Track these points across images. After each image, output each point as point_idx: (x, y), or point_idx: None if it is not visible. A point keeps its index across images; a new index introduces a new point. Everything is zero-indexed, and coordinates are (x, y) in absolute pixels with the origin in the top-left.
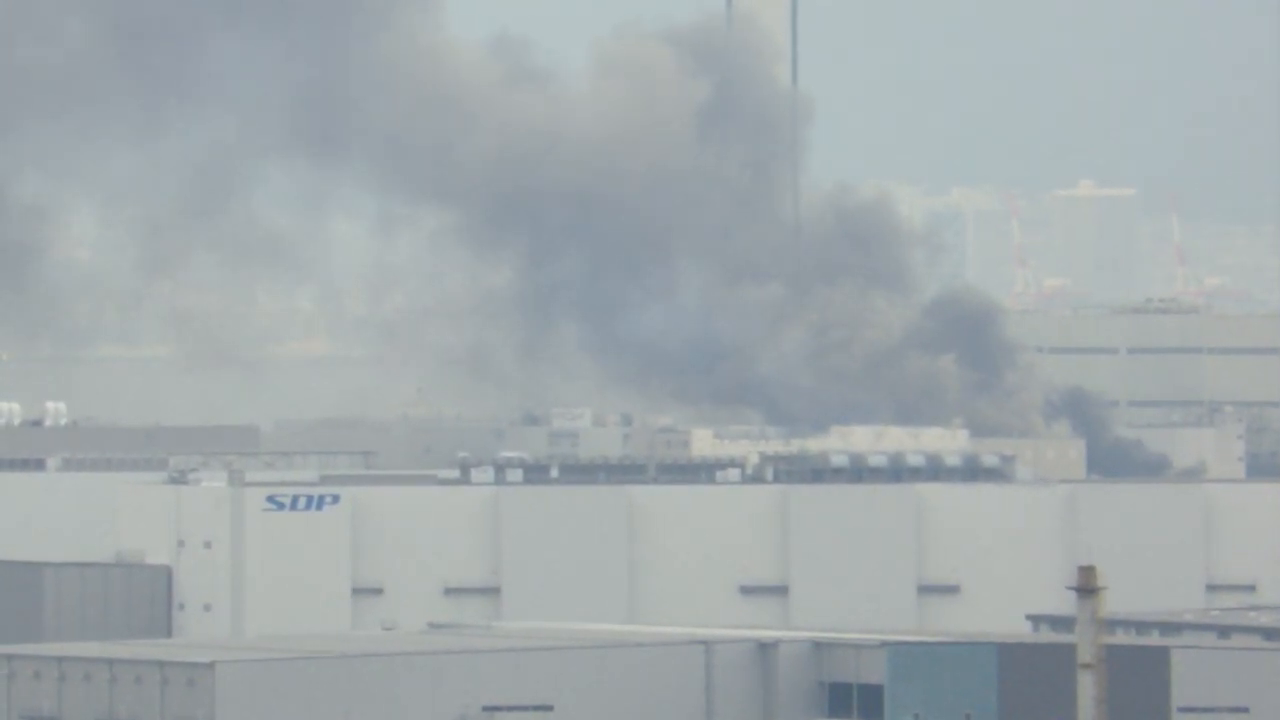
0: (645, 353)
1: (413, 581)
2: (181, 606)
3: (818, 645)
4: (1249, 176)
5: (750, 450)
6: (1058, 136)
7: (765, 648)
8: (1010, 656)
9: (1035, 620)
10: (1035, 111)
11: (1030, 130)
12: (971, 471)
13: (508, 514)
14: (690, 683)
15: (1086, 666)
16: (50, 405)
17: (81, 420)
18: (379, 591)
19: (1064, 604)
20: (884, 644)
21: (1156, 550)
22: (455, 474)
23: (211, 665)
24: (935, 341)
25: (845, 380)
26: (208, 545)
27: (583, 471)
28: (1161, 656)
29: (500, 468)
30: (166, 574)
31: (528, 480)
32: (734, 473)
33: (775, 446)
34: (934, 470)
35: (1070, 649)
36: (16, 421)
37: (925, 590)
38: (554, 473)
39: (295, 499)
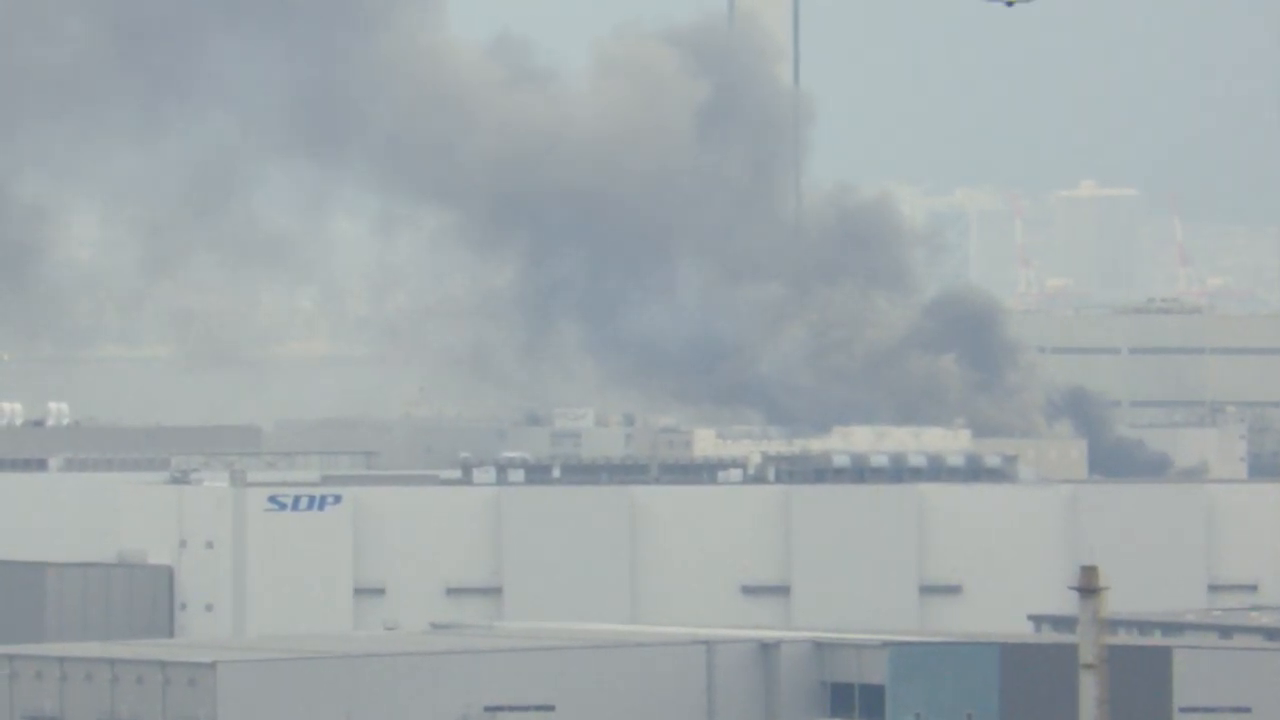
0: (646, 353)
1: (414, 582)
2: (183, 606)
3: (819, 645)
4: (1251, 176)
5: (752, 450)
6: (1060, 137)
7: (767, 648)
8: (1012, 657)
9: (1037, 620)
10: (1037, 111)
11: (1032, 130)
12: (973, 472)
13: (509, 514)
14: (692, 683)
15: (1088, 667)
16: (52, 405)
17: (83, 420)
18: (381, 592)
19: (1066, 604)
20: (886, 644)
21: (1158, 550)
22: (457, 474)
23: (213, 665)
24: (936, 341)
25: (846, 380)
26: (210, 545)
27: (585, 472)
28: (1163, 657)
29: (502, 468)
30: (168, 574)
31: (529, 480)
32: (736, 473)
33: (777, 447)
34: (936, 470)
35: (1072, 649)
36: (18, 422)
37: (927, 590)
38: (556, 473)
39: (297, 499)
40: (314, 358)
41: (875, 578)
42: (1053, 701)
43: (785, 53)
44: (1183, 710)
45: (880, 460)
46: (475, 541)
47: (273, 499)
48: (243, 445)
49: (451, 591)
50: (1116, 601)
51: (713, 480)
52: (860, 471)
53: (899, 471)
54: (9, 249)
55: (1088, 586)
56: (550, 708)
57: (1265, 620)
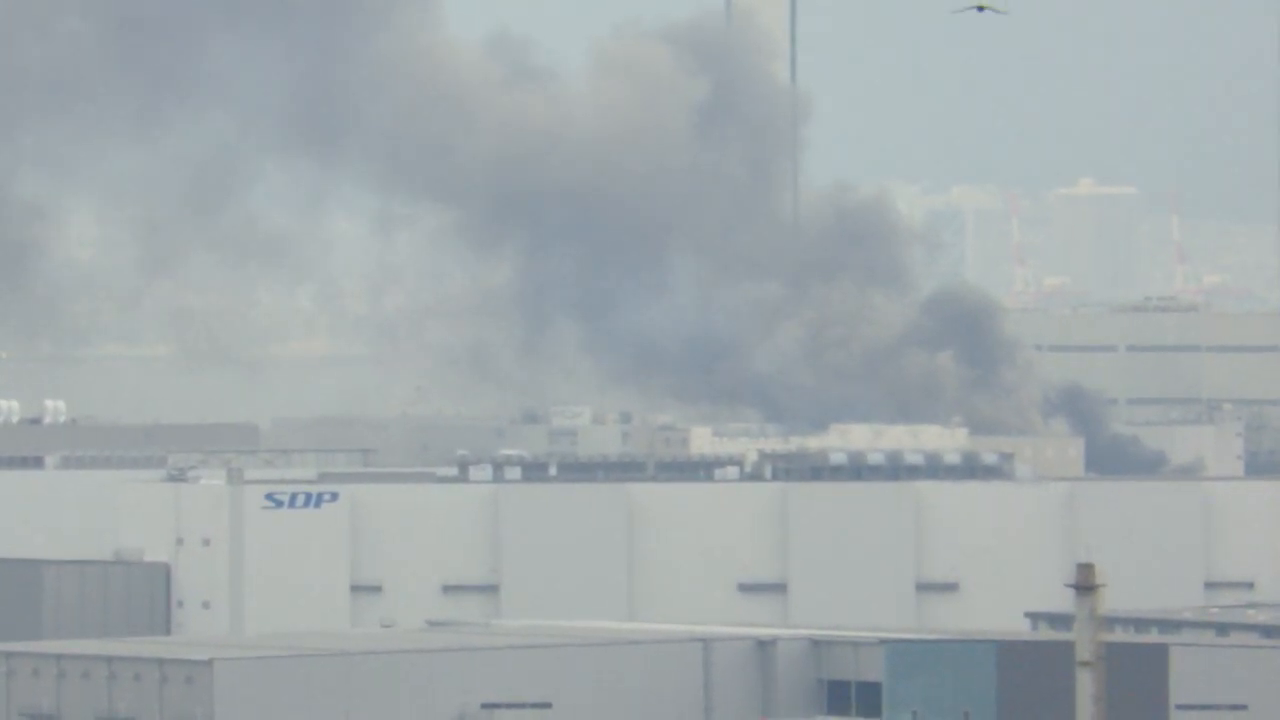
0: (644, 351)
1: (411, 579)
2: (180, 604)
3: (816, 643)
4: (1249, 175)
5: (749, 448)
6: (1058, 135)
7: (764, 645)
8: (1009, 654)
9: (1034, 618)
10: (1035, 110)
11: (1030, 129)
12: (970, 470)
13: (506, 512)
14: (689, 680)
15: (1085, 664)
16: (49, 403)
17: (81, 418)
18: (378, 589)
19: (1063, 602)
20: (882, 642)
21: (1155, 548)
22: (454, 472)
23: (210, 663)
24: (933, 339)
25: (844, 378)
26: (206, 543)
27: (581, 469)
28: (1160, 654)
29: (499, 466)
30: (165, 572)
31: (526, 478)
32: (733, 471)
33: (774, 444)
34: (933, 468)
35: (1069, 647)
36: (15, 420)
37: (924, 588)
38: (553, 471)
39: (294, 497)
40: (312, 356)
41: (872, 575)
42: (1050, 699)
43: (782, 51)
44: (1179, 707)
45: (877, 458)
46: (472, 539)
47: (269, 497)
48: (240, 443)
49: (448, 589)
50: (1113, 599)
51: (709, 478)
52: (857, 469)
53: (896, 469)
54: (7, 247)
55: (1084, 584)
56: (547, 705)
57: (1262, 618)
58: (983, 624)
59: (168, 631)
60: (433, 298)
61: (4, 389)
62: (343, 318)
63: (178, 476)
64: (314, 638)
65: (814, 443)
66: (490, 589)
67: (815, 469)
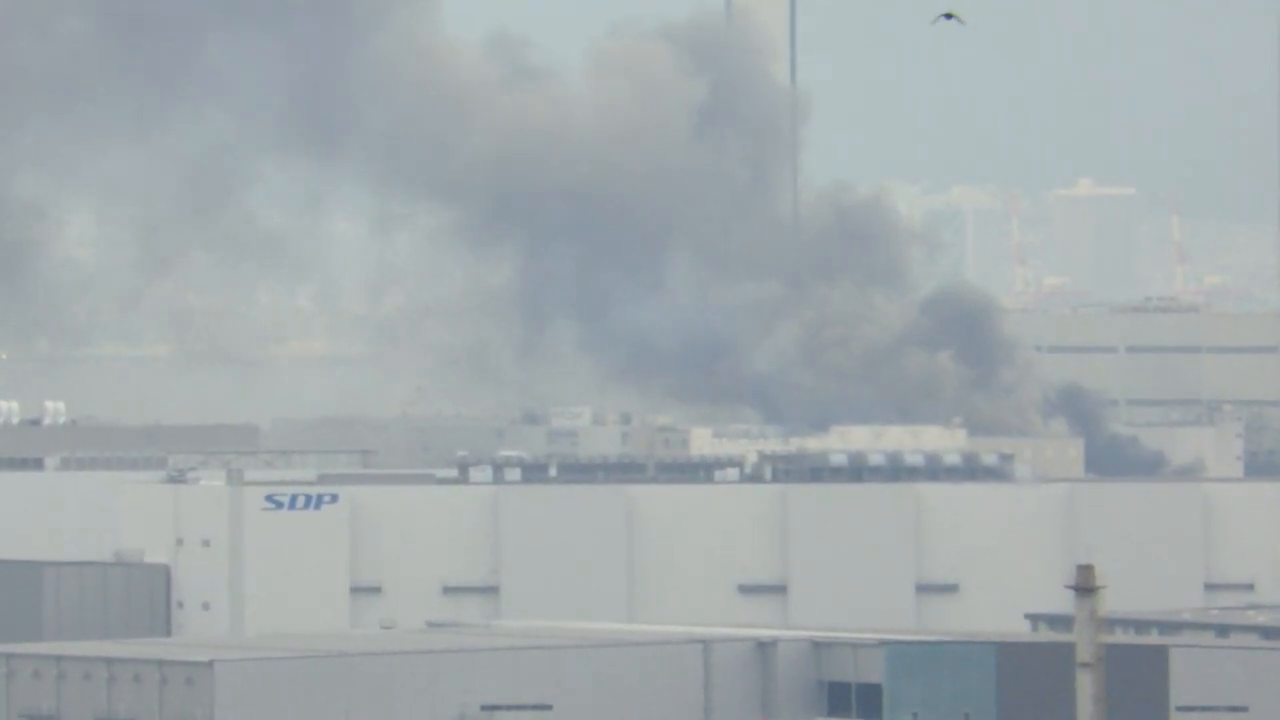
0: (643, 351)
1: (411, 580)
2: (180, 605)
3: (816, 644)
4: (1249, 175)
5: (749, 449)
6: (1057, 135)
7: (764, 647)
8: (1009, 656)
9: (1034, 619)
10: (1035, 110)
11: (1030, 129)
12: (970, 471)
13: (506, 513)
14: (689, 682)
15: (1085, 665)
16: (49, 404)
17: (80, 419)
18: (377, 590)
19: (1063, 603)
20: (882, 643)
21: (1155, 549)
22: (454, 473)
23: (210, 664)
24: (932, 339)
25: (843, 377)
26: (206, 544)
27: (581, 470)
28: (1160, 655)
29: (499, 467)
30: (165, 573)
31: (526, 479)
32: (733, 472)
33: (774, 446)
34: (933, 469)
35: (1069, 648)
36: (15, 420)
37: (924, 589)
38: (553, 472)
39: (294, 498)
40: (311, 357)
41: (872, 577)
42: (1050, 700)
43: (782, 51)
44: (1179, 709)
45: (877, 459)
46: (472, 540)
47: (269, 498)
48: (240, 444)
49: (448, 590)
50: (1113, 600)
51: (709, 479)
52: (857, 470)
53: (896, 470)
54: (6, 247)
55: (1084, 585)
56: (547, 707)
57: (1262, 619)
58: (983, 625)
59: (168, 633)
60: (431, 298)
61: (4, 390)
62: (341, 318)
63: (178, 478)
64: (314, 639)
65: (814, 444)
66: (490, 590)
67: (815, 470)
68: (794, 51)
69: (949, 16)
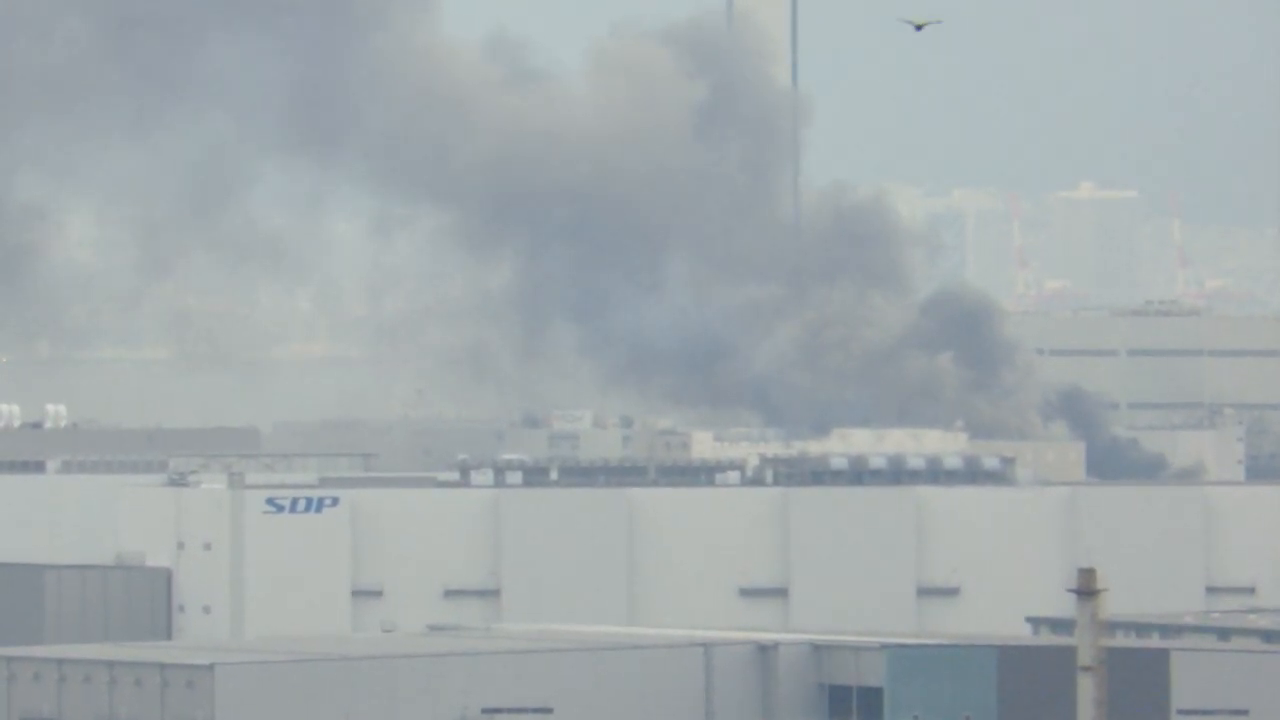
0: (643, 354)
1: (412, 583)
2: (181, 608)
3: (817, 647)
4: (1250, 178)
5: (750, 453)
6: (1058, 138)
7: (765, 650)
8: (1010, 659)
9: (1035, 623)
10: (1036, 112)
11: (1031, 131)
12: (971, 474)
13: (507, 516)
14: (690, 685)
15: (1086, 669)
16: (50, 407)
17: (82, 422)
18: (378, 593)
19: (1064, 606)
20: (883, 646)
21: (1156, 552)
22: (455, 476)
23: (211, 667)
24: (932, 340)
25: (842, 379)
26: (207, 547)
27: (582, 474)
28: (1161, 659)
29: (500, 470)
30: (166, 576)
31: (527, 482)
32: (734, 475)
33: (775, 449)
34: (934, 473)
35: (1070, 651)
36: (16, 424)
37: (925, 592)
38: (554, 475)
39: (295, 501)
40: (311, 359)
41: (873, 580)
42: (1051, 704)
43: (783, 52)
44: (1181, 712)
45: (878, 462)
46: (473, 543)
47: (270, 501)
48: (240, 447)
49: (449, 593)
50: (1114, 604)
51: (710, 482)
52: (858, 474)
53: (897, 474)
54: (6, 249)
55: (1086, 589)
56: (548, 710)
57: (1263, 622)
58: (984, 628)
59: (169, 636)
60: (431, 300)
61: (5, 393)
62: (342, 320)
63: (179, 481)
64: (315, 642)
65: (815, 447)
66: (491, 593)
67: (816, 473)
68: (795, 52)
69: (919, 27)
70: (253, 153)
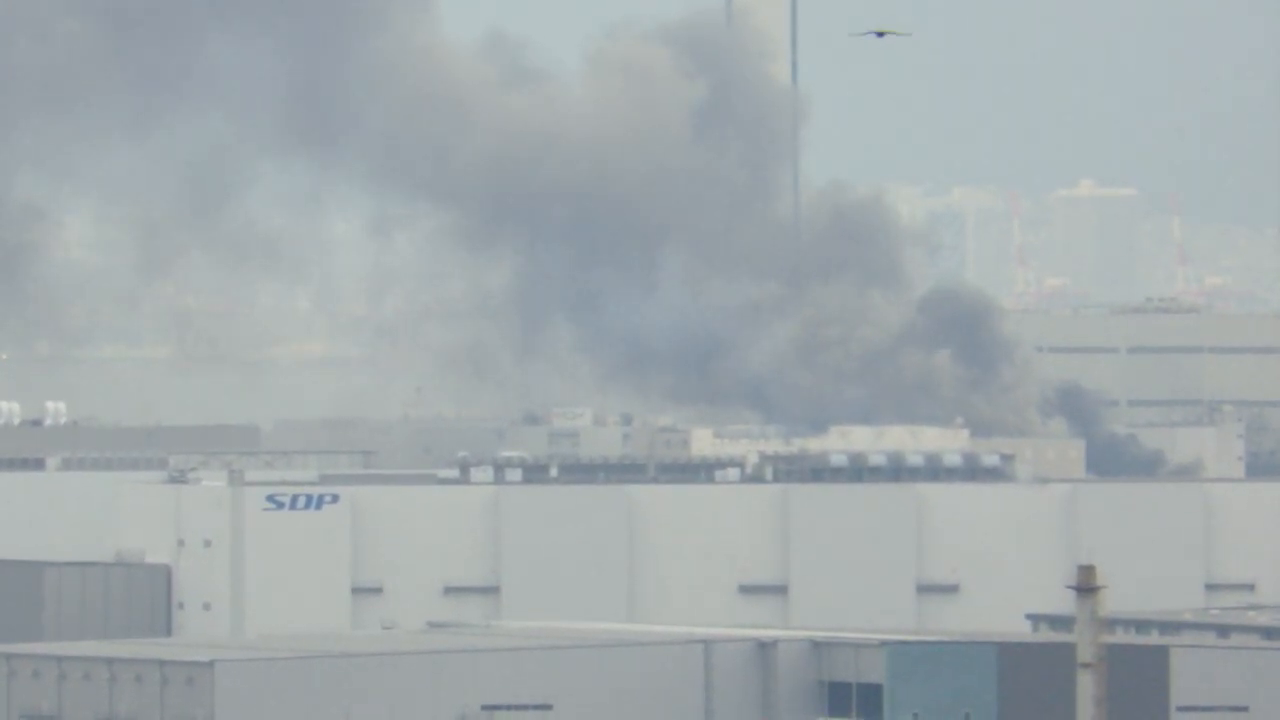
0: (642, 352)
1: (412, 581)
2: (181, 606)
3: (817, 645)
4: (1250, 176)
5: (750, 450)
6: (1058, 136)
7: (764, 647)
8: (1010, 656)
9: (1035, 619)
10: (1036, 111)
11: (1031, 130)
12: (971, 471)
13: (507, 513)
14: (689, 682)
15: (1086, 666)
16: (50, 405)
17: (81, 420)
18: (378, 591)
19: (1063, 603)
20: (883, 643)
21: (1156, 549)
22: (455, 474)
23: (211, 664)
24: (931, 338)
25: (841, 377)
26: (207, 545)
27: (582, 471)
28: (1161, 656)
29: (500, 467)
30: (166, 573)
31: (527, 480)
32: (733, 472)
33: (775, 446)
34: (934, 470)
35: (1070, 648)
36: (16, 421)
37: (925, 590)
38: (553, 472)
39: (295, 498)
40: (311, 358)
41: (873, 577)
42: (1051, 701)
43: (783, 52)
44: (1180, 709)
45: (878, 460)
46: (473, 541)
47: (270, 498)
48: (241, 445)
49: (449, 591)
50: (1114, 601)
51: (710, 480)
52: (858, 471)
53: (897, 471)
54: (5, 248)
55: (1085, 585)
56: (548, 707)
57: (1263, 619)
58: (983, 625)
59: (169, 633)
60: (430, 299)
61: (4, 390)
62: (341, 319)
63: (179, 478)
64: (315, 639)
65: (815, 444)
66: (491, 590)
67: (816, 470)
68: (794, 52)
69: (881, 35)
70: (252, 152)
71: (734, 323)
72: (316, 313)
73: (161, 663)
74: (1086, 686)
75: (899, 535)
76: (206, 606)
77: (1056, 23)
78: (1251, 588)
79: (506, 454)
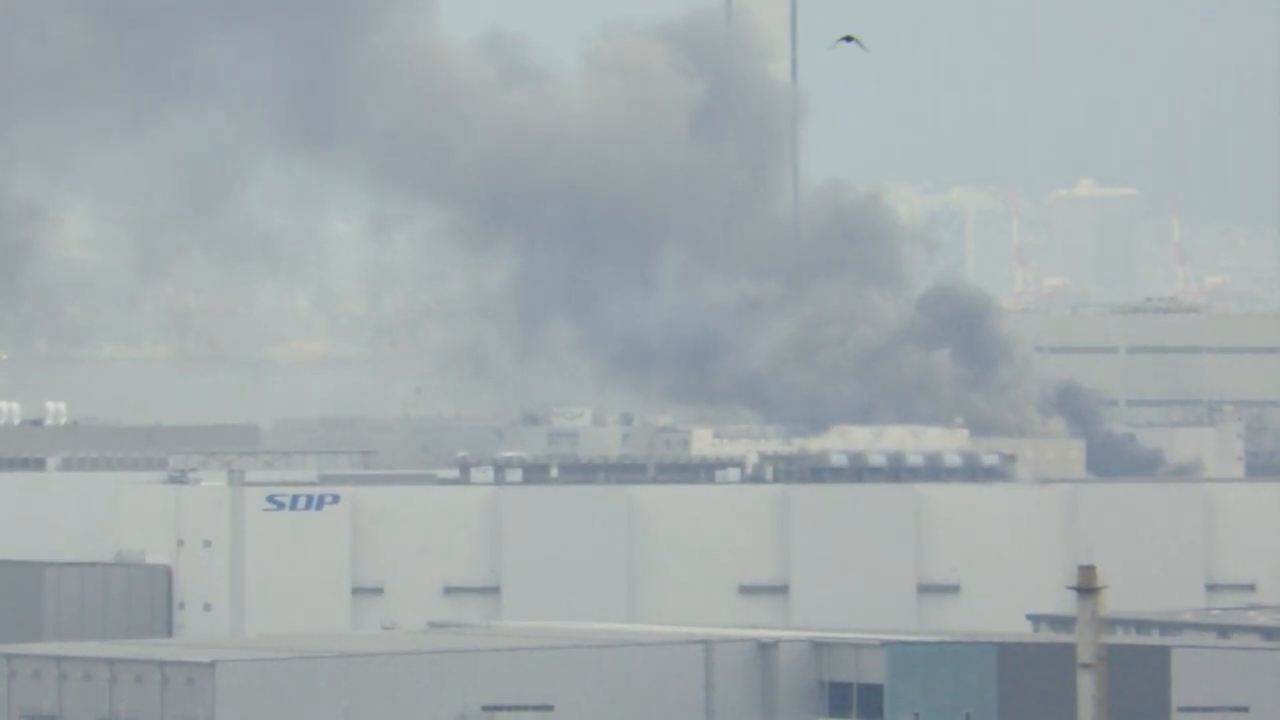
0: (641, 351)
1: (412, 581)
2: (181, 606)
3: (817, 645)
4: (1249, 176)
5: (750, 450)
6: (1058, 136)
7: (765, 647)
8: (1010, 656)
9: (1035, 620)
10: (1036, 111)
11: (1030, 130)
12: (971, 471)
13: (507, 513)
14: (690, 682)
15: (1086, 666)
16: (50, 405)
17: (81, 420)
18: (379, 591)
19: (1064, 603)
20: (884, 644)
21: (1156, 550)
22: (455, 474)
23: (211, 665)
24: (930, 336)
25: (840, 376)
26: (207, 545)
27: (582, 471)
28: (1161, 656)
29: (500, 467)
30: (166, 573)
31: (527, 480)
32: (734, 472)
33: (775, 446)
34: (934, 470)
35: (1070, 649)
36: (16, 421)
37: (925, 590)
38: (554, 472)
39: (295, 498)
40: (310, 357)
41: (873, 577)
42: (1051, 701)
43: (782, 50)
44: (1181, 710)
45: (878, 460)
46: (473, 541)
47: (270, 498)
48: (240, 445)
49: (449, 591)
50: (1114, 601)
51: (710, 480)
52: (858, 471)
53: (897, 471)
54: (4, 248)
55: (1086, 586)
56: (549, 707)
57: (1263, 620)
58: (984, 626)
59: (169, 633)
60: (430, 298)
61: (4, 390)
62: (340, 319)
63: (179, 478)
64: (315, 639)
65: (815, 444)
66: (491, 591)
67: (816, 470)
68: (794, 51)
69: (848, 40)
70: (250, 151)
71: (733, 322)
72: (316, 312)
73: (162, 663)
74: (1087, 687)
75: (899, 535)
76: (207, 607)
77: (1056, 23)
78: (1251, 588)
79: (506, 454)
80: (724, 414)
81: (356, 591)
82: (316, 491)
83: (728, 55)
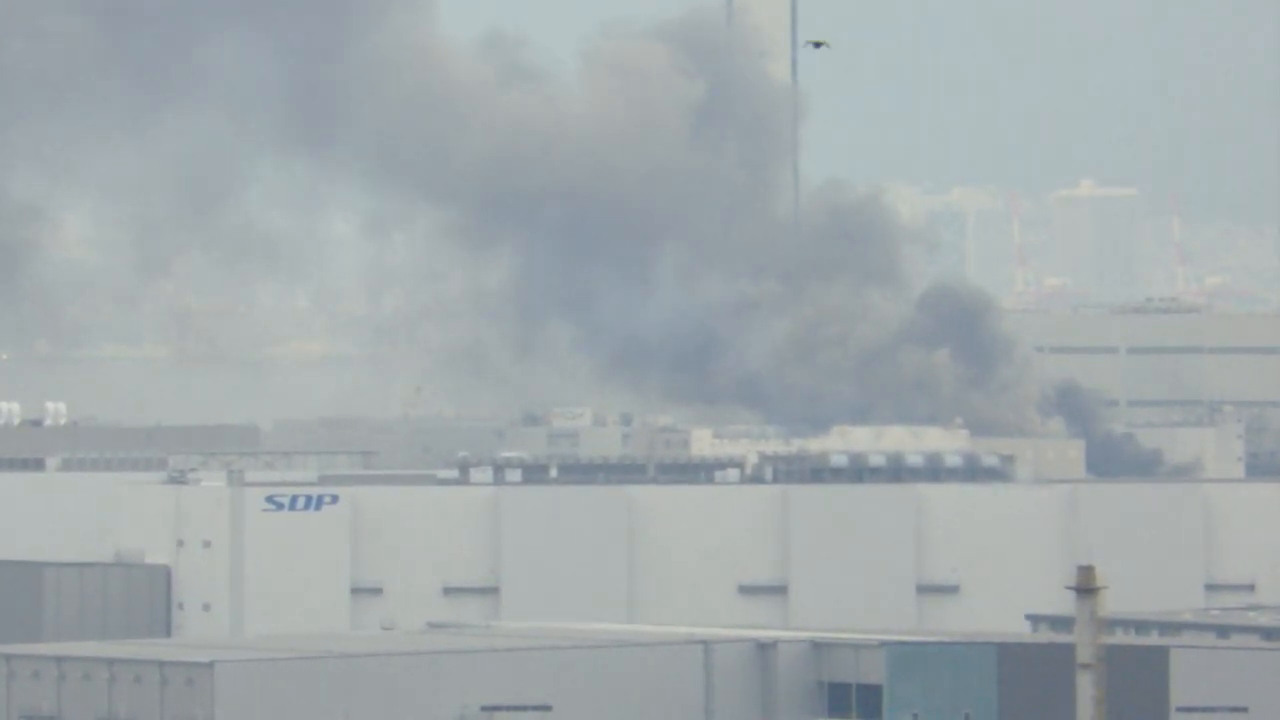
0: (640, 351)
1: (412, 581)
2: (181, 606)
3: (817, 645)
4: (1250, 176)
5: (750, 450)
6: (1058, 136)
7: (764, 647)
8: (1009, 656)
9: (1034, 620)
10: (1036, 111)
11: (1031, 130)
12: (971, 471)
13: (507, 514)
14: (689, 683)
15: (1086, 666)
16: (50, 405)
17: (81, 420)
18: (378, 591)
19: (1063, 604)
20: (883, 644)
21: (1156, 550)
22: (454, 474)
23: (211, 665)
24: (929, 336)
25: (839, 376)
26: (207, 545)
27: (582, 471)
28: (1161, 656)
29: (499, 468)
30: (166, 574)
31: (527, 480)
32: (733, 473)
33: (775, 446)
34: (934, 470)
35: (1069, 649)
36: (16, 421)
37: (924, 590)
38: (553, 472)
39: (294, 499)
40: (310, 357)
41: (873, 577)
42: (1050, 701)
43: (782, 50)
44: (1180, 710)
45: (878, 460)
46: (473, 541)
47: (270, 499)
48: (240, 445)
49: (449, 591)
50: (1114, 601)
51: (710, 480)
52: (858, 471)
53: (897, 471)
54: (3, 247)
55: (1085, 586)
56: (547, 708)
57: (1263, 620)
58: (983, 626)
59: (168, 633)
60: (429, 298)
61: (4, 390)
62: (340, 318)
63: (178, 478)
64: (315, 640)
65: (815, 445)
66: (491, 591)
67: (816, 471)
68: (794, 51)
69: (818, 45)
70: (250, 151)
71: (732, 321)
72: (316, 312)
73: (161, 663)
74: (1086, 687)
75: (899, 536)
76: (206, 607)
77: (1056, 23)
78: (1251, 588)
79: (506, 454)
80: (723, 414)
81: (356, 592)
82: (316, 492)
83: (727, 55)
